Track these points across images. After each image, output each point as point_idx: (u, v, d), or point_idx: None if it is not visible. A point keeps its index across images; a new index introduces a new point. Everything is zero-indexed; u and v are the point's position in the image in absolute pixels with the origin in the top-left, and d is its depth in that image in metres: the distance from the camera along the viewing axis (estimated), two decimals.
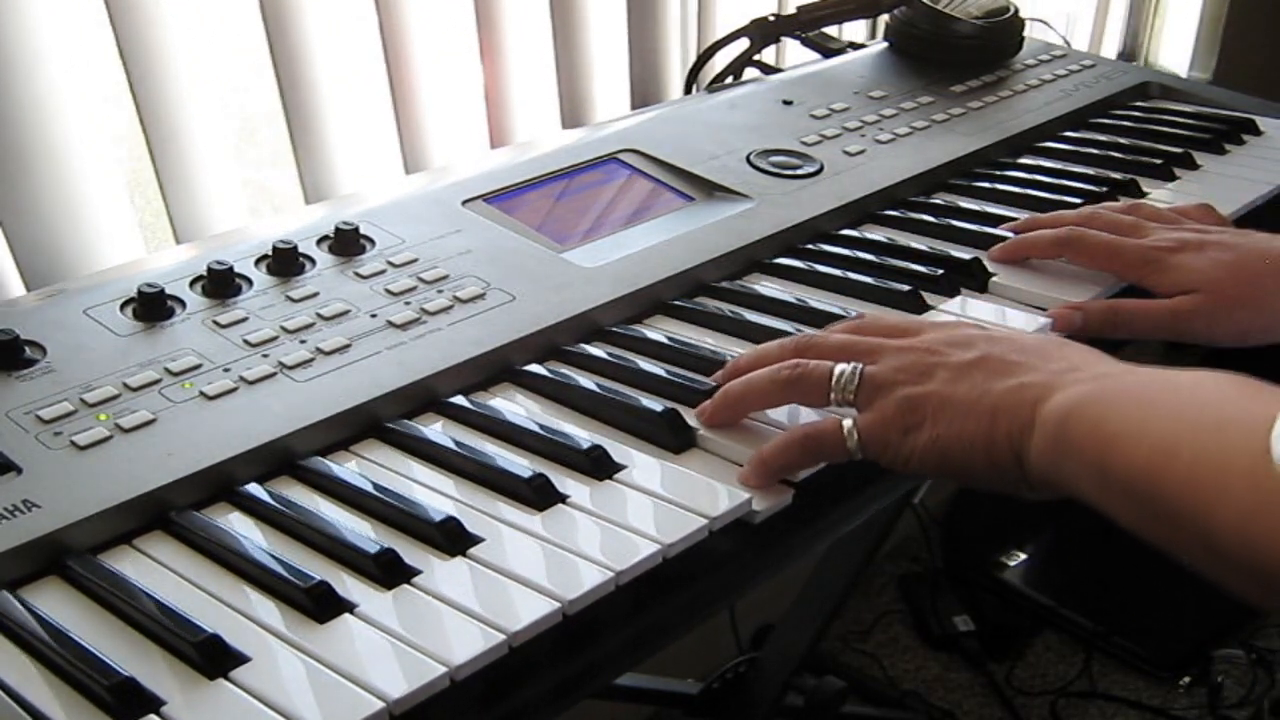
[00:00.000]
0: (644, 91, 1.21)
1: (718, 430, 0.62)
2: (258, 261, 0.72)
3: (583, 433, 0.62)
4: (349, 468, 0.60)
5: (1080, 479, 0.53)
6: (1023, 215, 0.87)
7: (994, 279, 0.79)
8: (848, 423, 0.59)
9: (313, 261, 0.73)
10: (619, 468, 0.60)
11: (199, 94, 0.89)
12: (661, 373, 0.67)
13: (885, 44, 1.16)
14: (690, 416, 0.63)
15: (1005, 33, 1.15)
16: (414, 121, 1.03)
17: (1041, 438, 0.54)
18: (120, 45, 0.85)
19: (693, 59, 1.21)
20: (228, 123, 0.93)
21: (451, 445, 0.61)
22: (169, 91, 0.87)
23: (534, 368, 0.69)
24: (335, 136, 0.97)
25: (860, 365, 0.60)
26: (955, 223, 0.88)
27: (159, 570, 0.53)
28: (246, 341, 0.66)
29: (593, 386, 0.66)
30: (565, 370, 0.69)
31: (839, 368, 0.60)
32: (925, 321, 0.64)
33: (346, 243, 0.74)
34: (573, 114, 1.15)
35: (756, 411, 0.62)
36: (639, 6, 1.16)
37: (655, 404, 0.63)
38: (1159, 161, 0.99)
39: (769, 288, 0.79)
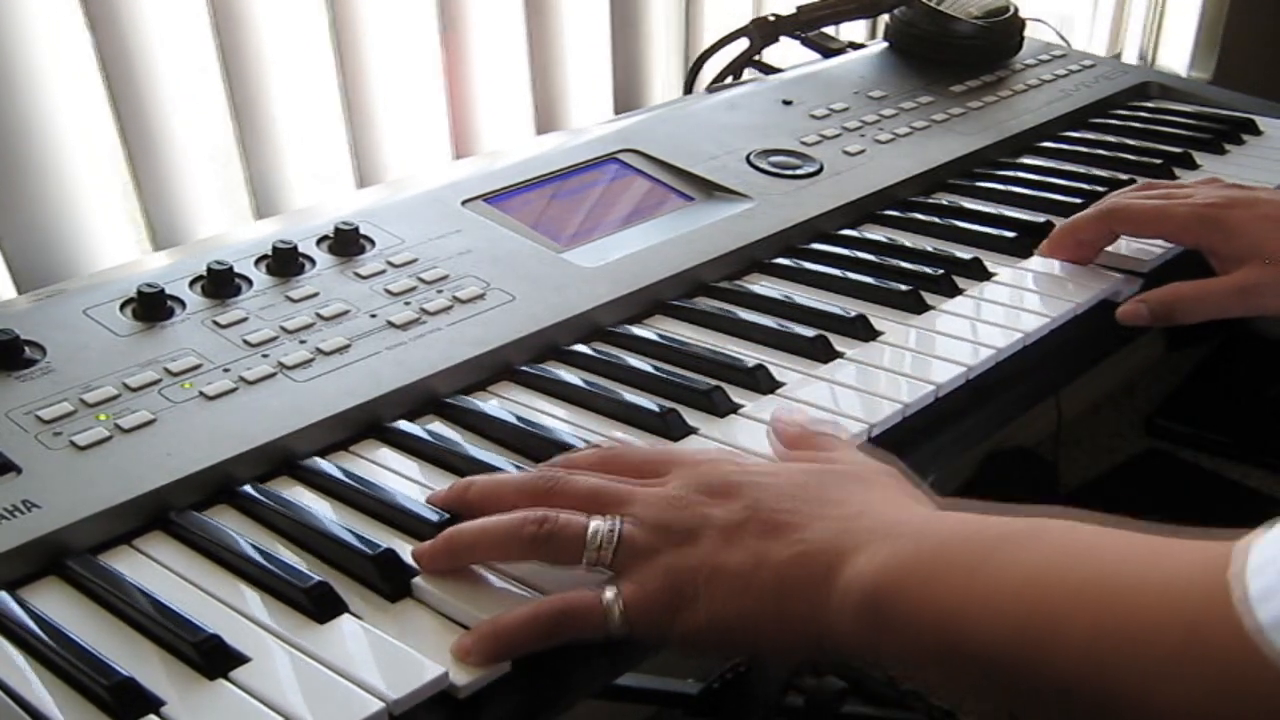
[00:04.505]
0: (627, 96, 1.20)
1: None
2: (257, 261, 0.72)
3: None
4: (349, 468, 0.60)
5: (911, 659, 0.46)
6: (1023, 215, 0.88)
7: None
8: (608, 594, 0.49)
9: (312, 261, 0.73)
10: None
11: (177, 97, 0.88)
12: (659, 373, 0.67)
13: (885, 44, 1.16)
14: None
15: (1005, 33, 1.15)
16: (369, 131, 1.00)
17: (846, 615, 0.47)
18: (100, 50, 0.84)
19: (676, 64, 1.21)
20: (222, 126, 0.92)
21: (450, 445, 0.61)
22: (147, 96, 0.87)
23: (529, 367, 0.69)
24: (286, 145, 0.95)
25: (618, 524, 0.51)
26: (955, 223, 0.88)
27: (159, 570, 0.53)
28: (246, 341, 0.66)
29: (581, 384, 0.66)
30: (561, 369, 0.69)
31: (593, 526, 0.51)
32: (675, 455, 0.56)
33: (346, 243, 0.74)
34: (547, 120, 1.13)
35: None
36: (622, 11, 1.16)
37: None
38: (1159, 161, 0.99)
39: (769, 288, 0.79)
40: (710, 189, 0.88)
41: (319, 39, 0.96)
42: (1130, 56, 1.93)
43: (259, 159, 0.94)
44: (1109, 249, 0.80)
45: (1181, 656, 0.37)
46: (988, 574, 0.44)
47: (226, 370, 0.64)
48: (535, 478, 0.54)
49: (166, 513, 0.56)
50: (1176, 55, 1.97)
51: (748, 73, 1.14)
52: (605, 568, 0.51)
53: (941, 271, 0.79)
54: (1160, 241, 0.81)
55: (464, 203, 0.81)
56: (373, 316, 0.69)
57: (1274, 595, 0.36)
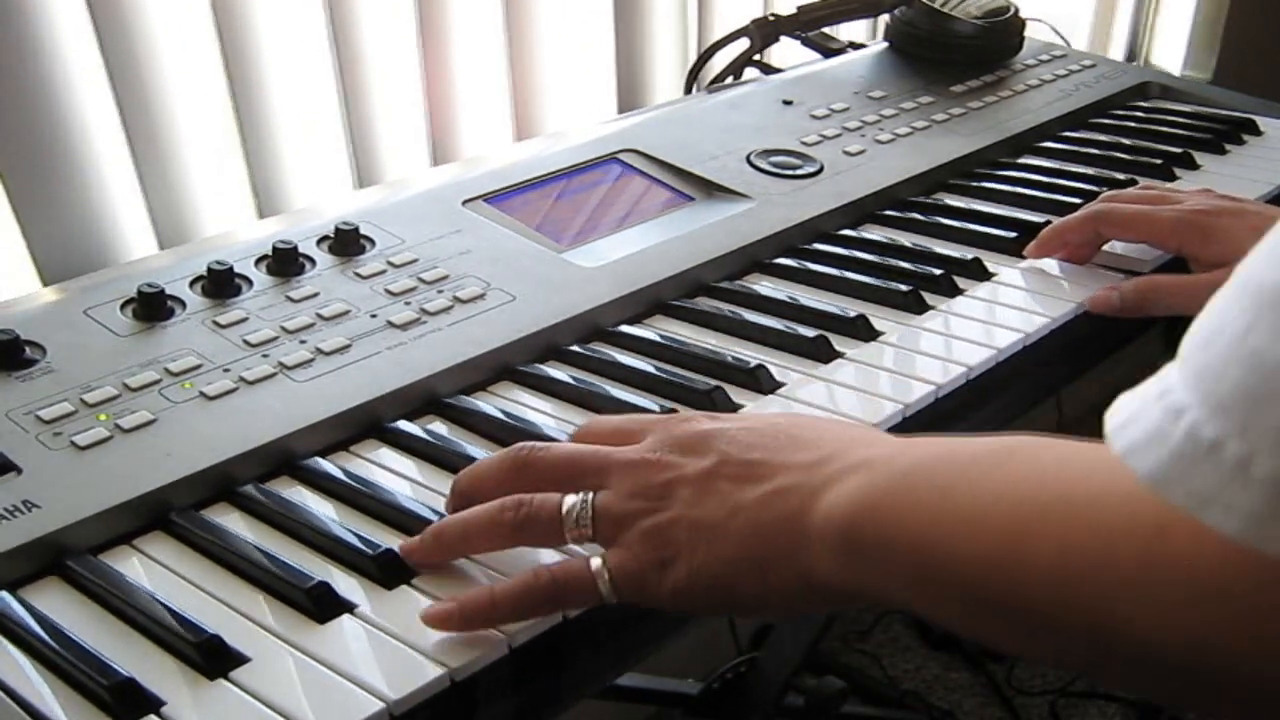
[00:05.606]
0: (630, 95, 1.20)
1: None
2: (258, 261, 0.72)
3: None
4: (349, 468, 0.60)
5: (891, 590, 0.44)
6: (1023, 215, 0.88)
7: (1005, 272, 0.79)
8: (596, 562, 0.50)
9: (313, 261, 0.73)
10: None
11: (182, 93, 0.88)
12: (660, 373, 0.67)
13: (885, 44, 1.16)
14: None
15: (1005, 33, 1.15)
16: (366, 133, 1.00)
17: (825, 553, 0.46)
18: (101, 41, 0.84)
19: (677, 64, 1.21)
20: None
21: (449, 445, 0.61)
22: (152, 89, 0.87)
23: (535, 367, 0.69)
24: (287, 146, 0.95)
25: (590, 496, 0.51)
26: (955, 223, 0.88)
27: (159, 570, 0.53)
28: (246, 342, 0.66)
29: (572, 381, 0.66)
30: (567, 368, 0.69)
31: (567, 503, 0.51)
32: (648, 419, 0.56)
33: (346, 243, 0.74)
34: (526, 127, 1.12)
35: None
36: (626, 12, 1.15)
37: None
38: (1159, 161, 0.99)
39: (769, 288, 0.79)
40: (710, 189, 0.88)
41: (320, 49, 0.96)
42: (1130, 57, 1.93)
43: (260, 159, 0.94)
44: (1109, 249, 0.80)
45: (1142, 567, 0.36)
46: (959, 495, 0.42)
47: (226, 370, 0.64)
48: (508, 452, 0.54)
49: (167, 513, 0.56)
50: (1176, 55, 1.97)
51: (748, 73, 1.14)
52: (590, 541, 0.51)
53: (941, 271, 0.79)
54: None
55: (464, 203, 0.81)
56: (373, 316, 0.69)
57: (1129, 424, 0.37)
